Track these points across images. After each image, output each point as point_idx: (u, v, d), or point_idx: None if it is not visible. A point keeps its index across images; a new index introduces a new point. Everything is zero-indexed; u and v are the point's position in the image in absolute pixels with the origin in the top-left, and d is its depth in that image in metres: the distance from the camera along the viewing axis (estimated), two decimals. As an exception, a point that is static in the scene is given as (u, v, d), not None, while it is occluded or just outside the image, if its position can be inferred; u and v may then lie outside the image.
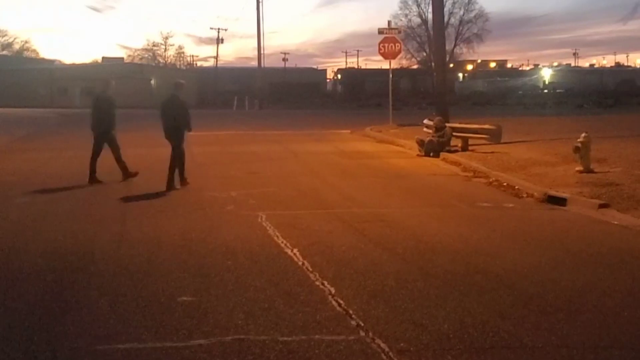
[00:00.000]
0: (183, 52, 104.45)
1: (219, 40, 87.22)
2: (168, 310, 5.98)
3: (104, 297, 6.40)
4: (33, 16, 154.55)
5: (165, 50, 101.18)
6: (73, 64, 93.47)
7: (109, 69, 73.31)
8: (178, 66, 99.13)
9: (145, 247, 8.36)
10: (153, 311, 5.95)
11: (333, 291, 6.48)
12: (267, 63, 71.23)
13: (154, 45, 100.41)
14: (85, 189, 13.36)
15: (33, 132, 29.60)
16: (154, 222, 9.99)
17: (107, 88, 15.05)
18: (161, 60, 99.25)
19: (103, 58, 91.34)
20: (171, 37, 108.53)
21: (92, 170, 14.22)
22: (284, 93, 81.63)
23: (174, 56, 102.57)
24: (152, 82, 71.43)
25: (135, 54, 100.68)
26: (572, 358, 5.01)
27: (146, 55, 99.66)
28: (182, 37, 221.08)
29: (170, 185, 13.20)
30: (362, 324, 5.58)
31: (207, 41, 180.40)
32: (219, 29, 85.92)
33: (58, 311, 6.01)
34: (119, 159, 14.48)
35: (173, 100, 13.86)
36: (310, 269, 7.27)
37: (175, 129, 13.68)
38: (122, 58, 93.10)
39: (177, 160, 13.58)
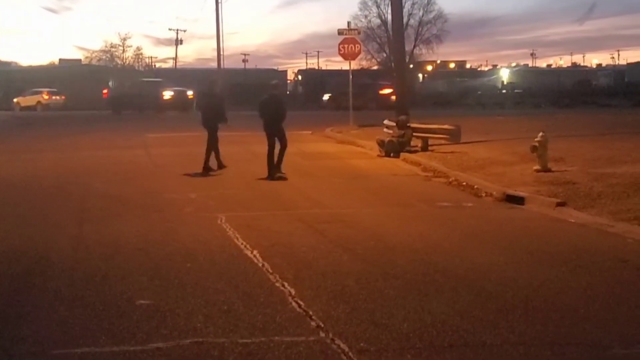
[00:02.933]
0: (141, 54, 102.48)
1: (177, 42, 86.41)
2: (126, 313, 5.91)
3: (60, 301, 6.31)
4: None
5: (123, 51, 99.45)
6: (30, 66, 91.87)
7: (67, 71, 72.39)
8: (136, 67, 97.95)
9: (102, 250, 8.26)
10: (110, 315, 5.88)
11: (293, 292, 6.46)
12: (227, 64, 70.54)
13: (111, 47, 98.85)
14: (42, 192, 13.13)
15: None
16: (111, 225, 9.86)
17: (213, 87, 17.20)
18: (119, 62, 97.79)
19: (60, 60, 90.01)
20: (129, 38, 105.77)
21: (217, 157, 15.83)
22: (244, 94, 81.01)
23: (132, 57, 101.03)
24: (110, 83, 70.55)
25: (93, 55, 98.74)
26: (530, 355, 5.08)
27: (104, 57, 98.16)
28: (140, 38, 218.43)
29: (280, 174, 14.68)
30: (322, 325, 5.58)
31: (165, 42, 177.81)
32: (177, 30, 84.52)
33: (14, 315, 5.91)
34: (209, 151, 15.76)
35: (273, 99, 15.33)
36: (271, 271, 7.24)
37: (276, 123, 15.00)
38: (80, 60, 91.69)
39: (283, 150, 14.98)
